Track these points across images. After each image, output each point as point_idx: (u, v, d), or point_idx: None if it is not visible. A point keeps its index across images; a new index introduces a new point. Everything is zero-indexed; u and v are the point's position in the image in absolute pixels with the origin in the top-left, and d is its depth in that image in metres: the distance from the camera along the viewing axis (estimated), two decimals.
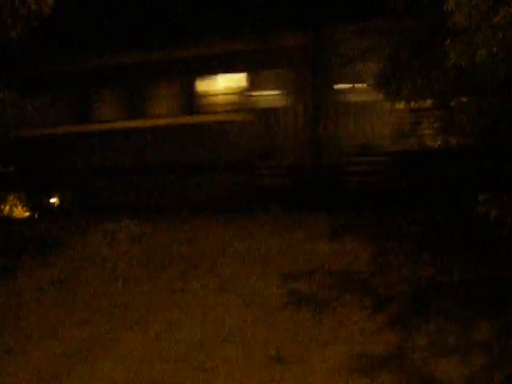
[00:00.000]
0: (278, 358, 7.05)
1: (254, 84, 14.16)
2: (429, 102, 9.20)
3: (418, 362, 6.75)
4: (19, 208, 16.23)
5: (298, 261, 9.99)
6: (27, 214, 16.14)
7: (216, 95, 14.51)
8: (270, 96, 14.13)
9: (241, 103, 14.23)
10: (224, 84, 14.48)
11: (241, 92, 14.25)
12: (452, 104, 8.36)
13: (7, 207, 16.26)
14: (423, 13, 8.48)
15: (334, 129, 13.59)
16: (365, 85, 12.94)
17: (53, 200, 16.04)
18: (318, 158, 13.67)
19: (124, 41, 15.49)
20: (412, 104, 9.00)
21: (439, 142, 12.05)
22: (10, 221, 15.60)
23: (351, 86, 13.48)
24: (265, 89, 14.15)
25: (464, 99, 8.23)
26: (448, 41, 6.94)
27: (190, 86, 14.70)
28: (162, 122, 14.90)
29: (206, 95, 14.58)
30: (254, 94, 14.18)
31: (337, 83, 13.63)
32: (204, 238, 11.79)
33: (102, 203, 15.36)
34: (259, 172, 14.14)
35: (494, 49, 6.40)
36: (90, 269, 10.75)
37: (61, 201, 15.96)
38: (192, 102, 14.68)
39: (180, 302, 8.95)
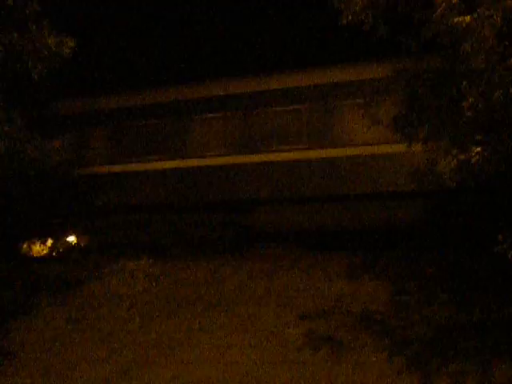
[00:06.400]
0: None
1: None
2: None
3: None
4: (37, 246, 16.30)
5: None
6: (45, 252, 16.19)
7: None
8: None
9: None
10: None
11: None
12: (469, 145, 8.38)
13: (25, 245, 16.34)
14: (439, 55, 8.58)
15: None
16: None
17: (71, 239, 16.10)
18: None
19: None
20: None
21: None
22: (28, 259, 15.67)
23: None
24: None
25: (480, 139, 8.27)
26: (465, 82, 7.02)
27: None
28: None
29: None
30: None
31: None
32: None
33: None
34: None
35: (510, 90, 6.47)
36: (107, 307, 10.77)
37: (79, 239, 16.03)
38: None
39: (197, 342, 8.91)
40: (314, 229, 13.87)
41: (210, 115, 14.82)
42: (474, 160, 8.09)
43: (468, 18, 6.79)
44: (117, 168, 15.71)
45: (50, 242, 16.20)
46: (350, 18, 8.51)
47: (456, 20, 6.93)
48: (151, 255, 13.26)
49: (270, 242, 13.92)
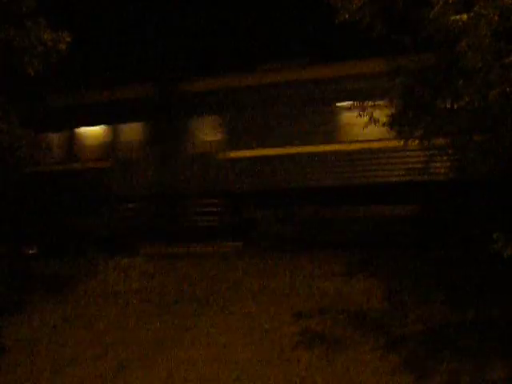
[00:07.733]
0: None
1: None
2: None
3: None
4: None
5: None
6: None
7: None
8: None
9: None
10: None
11: None
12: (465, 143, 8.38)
13: None
14: (435, 53, 8.58)
15: None
16: None
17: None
18: None
19: None
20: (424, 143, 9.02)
21: None
22: (22, 256, 15.63)
23: None
24: None
25: (477, 138, 8.27)
26: (461, 81, 7.02)
27: None
28: None
29: None
30: None
31: None
32: None
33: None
34: None
35: (507, 88, 6.46)
36: (102, 305, 10.75)
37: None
38: None
39: (192, 340, 8.89)
40: None
41: None
42: (470, 159, 8.11)
43: (465, 17, 6.79)
44: None
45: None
46: (346, 16, 8.53)
47: (453, 18, 6.92)
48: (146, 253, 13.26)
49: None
